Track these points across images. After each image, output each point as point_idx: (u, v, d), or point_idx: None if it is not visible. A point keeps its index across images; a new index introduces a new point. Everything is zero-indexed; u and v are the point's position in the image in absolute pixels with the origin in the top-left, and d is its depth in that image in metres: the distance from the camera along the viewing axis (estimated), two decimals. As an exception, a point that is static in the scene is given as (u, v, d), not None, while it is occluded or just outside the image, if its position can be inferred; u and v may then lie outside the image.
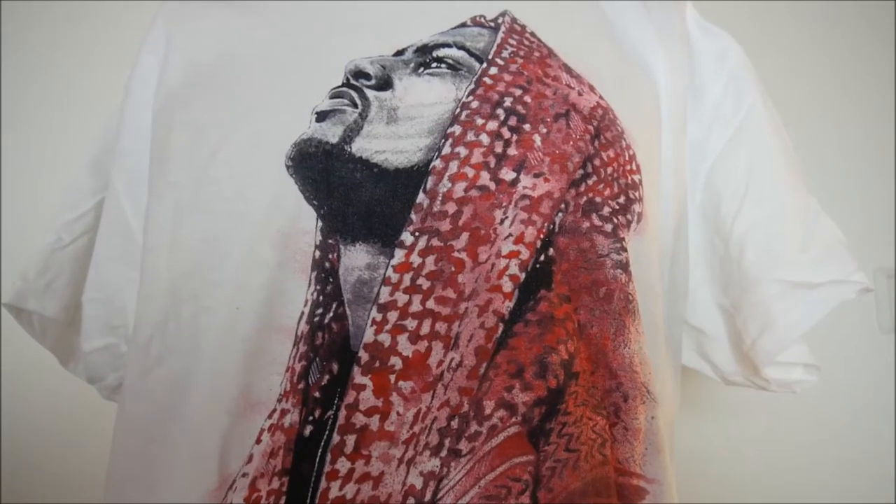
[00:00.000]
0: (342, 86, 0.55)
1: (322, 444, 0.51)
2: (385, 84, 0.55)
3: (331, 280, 0.53)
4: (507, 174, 0.52)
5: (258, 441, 0.51)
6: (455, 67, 0.56)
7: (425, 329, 0.50)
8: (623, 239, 0.54)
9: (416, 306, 0.50)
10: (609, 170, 0.55)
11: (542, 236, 0.52)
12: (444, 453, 0.49)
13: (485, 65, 0.56)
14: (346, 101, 0.54)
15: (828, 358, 0.67)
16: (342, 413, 0.50)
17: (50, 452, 1.11)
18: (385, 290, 0.51)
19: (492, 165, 0.52)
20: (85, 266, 0.69)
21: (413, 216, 0.51)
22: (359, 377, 0.50)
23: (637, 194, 0.56)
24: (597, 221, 0.54)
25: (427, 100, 0.54)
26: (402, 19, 0.60)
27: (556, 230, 0.53)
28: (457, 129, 0.53)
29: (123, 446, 0.57)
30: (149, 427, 0.55)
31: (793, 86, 1.11)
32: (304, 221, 0.53)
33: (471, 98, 0.54)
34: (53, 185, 1.04)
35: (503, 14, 0.60)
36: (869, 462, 1.09)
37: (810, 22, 1.17)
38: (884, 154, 1.15)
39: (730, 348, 0.67)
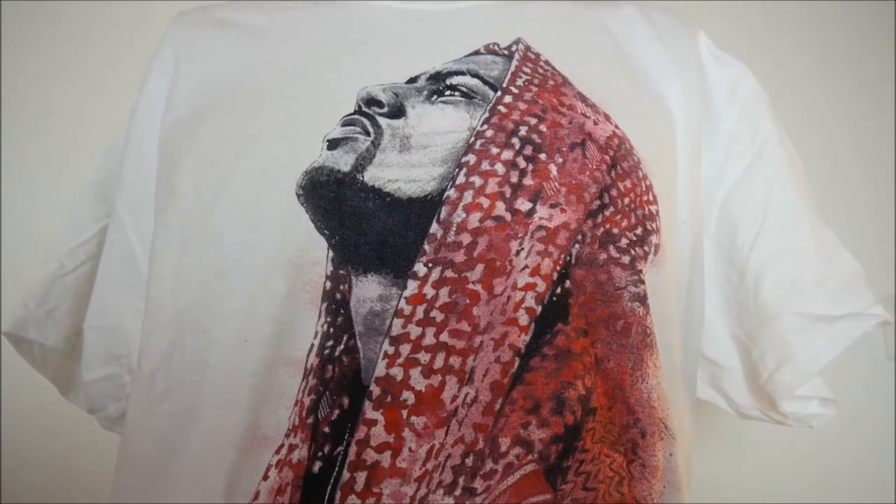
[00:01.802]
0: (354, 113, 0.54)
1: (331, 481, 0.50)
2: (398, 112, 0.54)
3: (342, 311, 0.52)
4: (523, 204, 0.51)
5: (265, 477, 0.50)
6: (469, 95, 0.55)
7: (439, 363, 0.49)
8: (640, 271, 0.53)
9: (429, 339, 0.49)
10: (626, 200, 0.54)
11: (558, 268, 0.51)
12: (458, 492, 0.48)
13: (499, 93, 0.55)
14: (358, 129, 0.53)
15: (834, 385, 0.66)
16: (352, 449, 0.49)
17: (50, 452, 1.10)
18: (397, 323, 0.50)
19: (507, 195, 0.51)
20: (87, 294, 0.68)
21: (426, 247, 0.50)
22: (370, 412, 0.49)
23: (654, 225, 0.55)
24: (614, 253, 0.53)
25: (441, 128, 0.53)
26: (414, 43, 0.60)
27: (573, 262, 0.52)
28: (471, 159, 0.52)
29: (126, 482, 0.56)
30: (152, 463, 0.54)
31: (792, 104, 1.10)
32: (315, 251, 0.52)
33: (485, 127, 0.53)
34: (55, 201, 1.03)
35: (517, 42, 0.59)
36: (881, 491, 1.08)
37: (813, 42, 1.17)
38: (887, 180, 1.14)
39: (745, 381, 0.66)
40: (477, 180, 0.51)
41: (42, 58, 1.17)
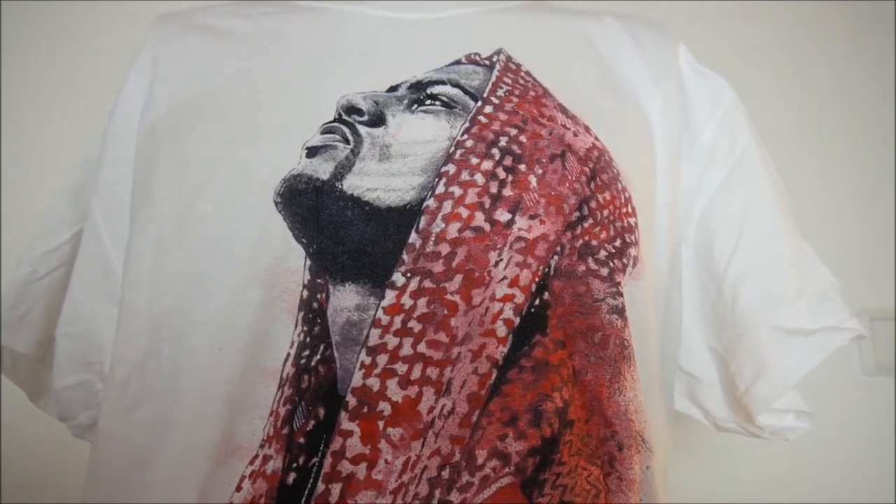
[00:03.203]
0: (334, 121, 0.54)
1: (306, 492, 0.49)
2: (378, 120, 0.54)
3: (318, 321, 0.51)
4: (503, 215, 0.51)
5: (239, 489, 0.49)
6: (449, 105, 0.55)
7: (416, 374, 0.49)
8: (619, 283, 0.53)
9: (406, 350, 0.49)
10: (605, 212, 0.54)
11: (537, 279, 0.51)
12: None
13: (479, 103, 0.55)
14: (337, 137, 0.53)
15: (810, 400, 0.66)
16: (328, 460, 0.48)
17: (50, 451, 1.07)
18: (375, 333, 0.49)
19: (486, 206, 0.51)
20: (60, 299, 0.67)
21: (405, 256, 0.50)
22: (346, 423, 0.48)
23: (633, 237, 0.55)
24: (593, 265, 0.52)
25: (421, 137, 0.53)
26: (396, 52, 0.60)
27: (552, 273, 0.51)
28: (451, 168, 0.52)
29: (96, 492, 0.55)
30: (124, 472, 0.53)
31: (792, 104, 1.11)
32: (292, 260, 0.51)
33: (466, 137, 0.53)
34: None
35: (498, 52, 0.59)
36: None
37: (813, 42, 1.18)
38: (867, 196, 1.15)
39: (722, 394, 0.66)
40: (456, 190, 0.51)
41: (42, 58, 1.16)
